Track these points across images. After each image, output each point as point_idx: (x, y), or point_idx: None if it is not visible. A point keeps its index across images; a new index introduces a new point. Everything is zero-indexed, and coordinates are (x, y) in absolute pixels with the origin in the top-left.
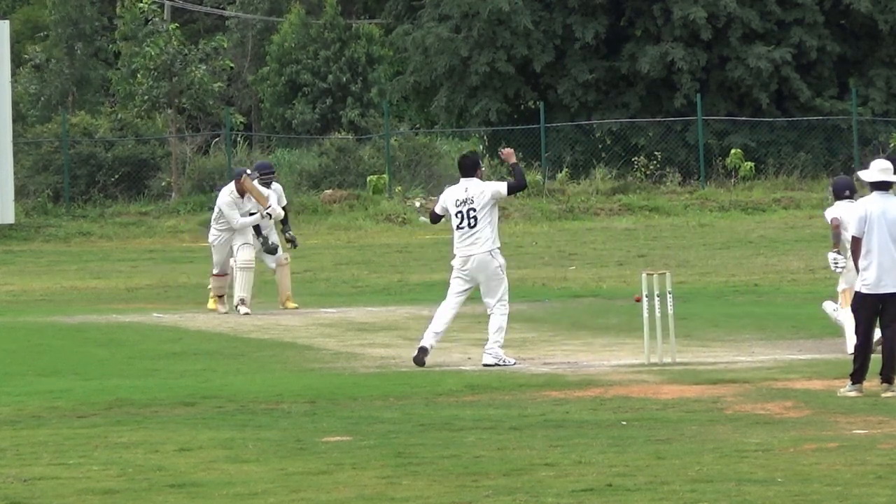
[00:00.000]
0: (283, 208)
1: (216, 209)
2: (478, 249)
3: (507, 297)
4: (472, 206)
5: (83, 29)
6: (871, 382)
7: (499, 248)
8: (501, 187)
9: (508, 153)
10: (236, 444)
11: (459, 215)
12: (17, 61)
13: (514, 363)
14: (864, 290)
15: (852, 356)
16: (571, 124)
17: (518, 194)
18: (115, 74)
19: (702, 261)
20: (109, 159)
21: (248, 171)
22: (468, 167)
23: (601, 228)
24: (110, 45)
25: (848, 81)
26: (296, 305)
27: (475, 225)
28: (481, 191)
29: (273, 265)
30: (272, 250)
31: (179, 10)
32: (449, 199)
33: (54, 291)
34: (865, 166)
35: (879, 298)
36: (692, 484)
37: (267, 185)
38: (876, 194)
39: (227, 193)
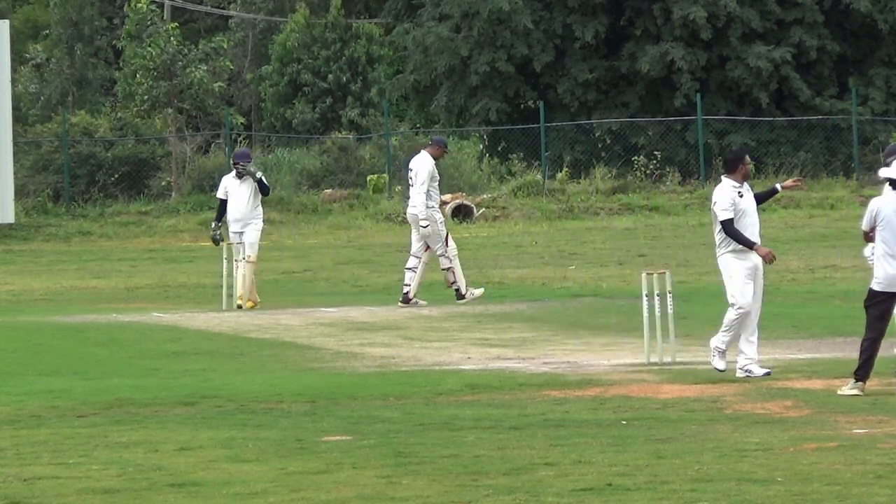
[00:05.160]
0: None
1: (417, 177)
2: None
3: (733, 301)
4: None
5: (83, 30)
6: (872, 382)
7: (726, 251)
8: (717, 215)
9: (792, 185)
10: (236, 443)
11: None
12: (17, 60)
13: (719, 369)
14: (876, 288)
15: (860, 351)
16: (571, 124)
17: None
18: (121, 76)
19: (702, 260)
20: (109, 159)
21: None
22: (727, 161)
23: (601, 228)
24: (115, 42)
25: (848, 81)
26: (242, 304)
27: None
28: (712, 197)
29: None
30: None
31: (179, 9)
32: None
33: (54, 291)
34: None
35: (892, 297)
36: (692, 483)
37: (242, 174)
38: (892, 194)
39: (428, 162)
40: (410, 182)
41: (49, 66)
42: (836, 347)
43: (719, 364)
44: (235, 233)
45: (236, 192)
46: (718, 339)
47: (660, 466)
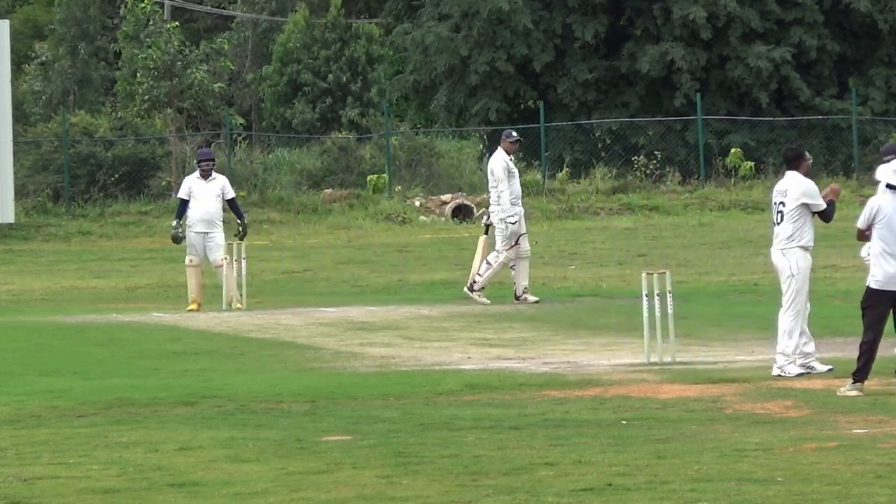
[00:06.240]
0: (231, 201)
1: (492, 178)
2: (773, 247)
3: (794, 302)
4: (782, 199)
5: (87, 29)
6: (871, 382)
7: (796, 246)
8: (816, 205)
9: (834, 192)
10: (236, 443)
11: (774, 208)
12: (19, 60)
13: (799, 373)
14: (874, 287)
15: (858, 353)
16: (571, 124)
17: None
18: (119, 76)
19: (702, 260)
20: (109, 159)
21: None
22: (789, 159)
23: (601, 228)
24: (112, 45)
25: (848, 81)
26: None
27: (780, 221)
28: (792, 188)
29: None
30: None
31: (180, 9)
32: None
33: (54, 291)
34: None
35: (891, 296)
36: (692, 483)
37: (207, 174)
38: (890, 194)
39: (501, 158)
40: (491, 184)
41: (53, 66)
42: (836, 347)
43: (816, 365)
44: (199, 233)
45: (202, 193)
46: (786, 346)
47: (660, 466)
